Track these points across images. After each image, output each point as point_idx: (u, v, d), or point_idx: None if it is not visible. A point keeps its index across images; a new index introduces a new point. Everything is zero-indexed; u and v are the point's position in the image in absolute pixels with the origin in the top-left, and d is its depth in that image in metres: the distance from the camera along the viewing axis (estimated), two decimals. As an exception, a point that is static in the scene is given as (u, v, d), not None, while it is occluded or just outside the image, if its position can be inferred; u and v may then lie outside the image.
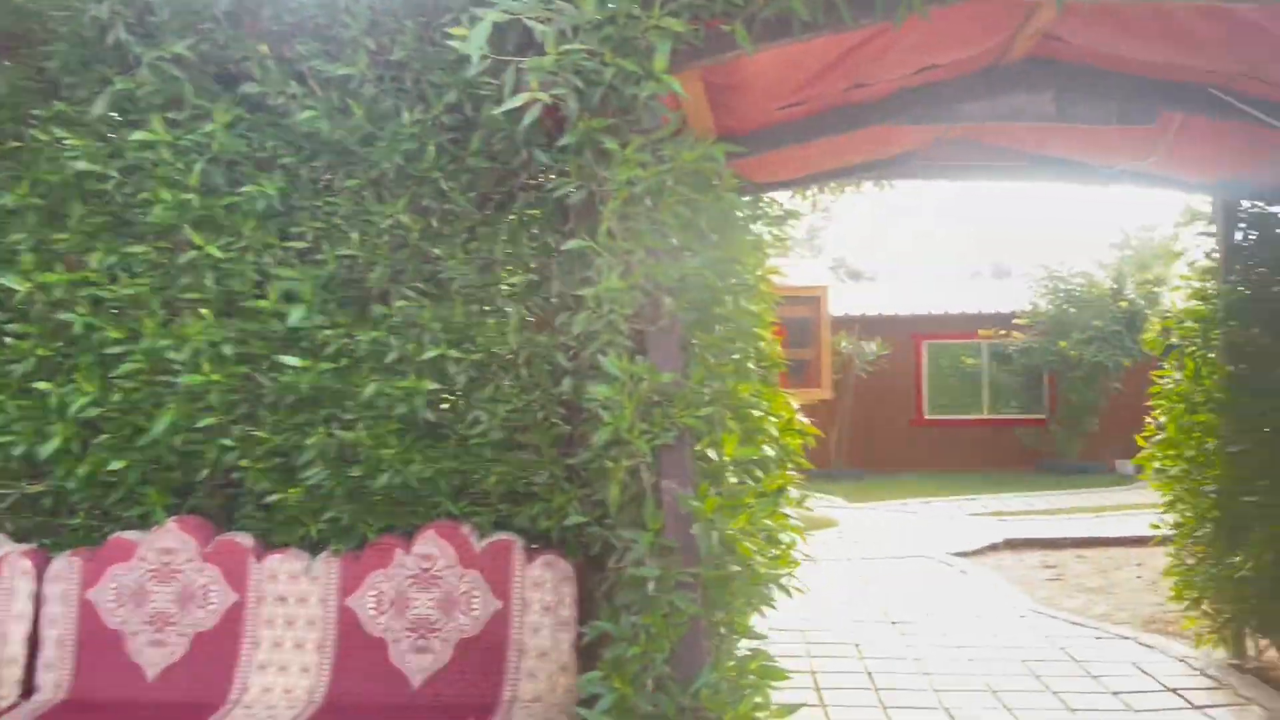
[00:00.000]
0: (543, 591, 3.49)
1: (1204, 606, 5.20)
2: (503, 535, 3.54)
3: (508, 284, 3.57)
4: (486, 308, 3.59)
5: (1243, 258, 5.27)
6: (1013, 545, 9.12)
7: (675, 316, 3.02)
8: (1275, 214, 5.16)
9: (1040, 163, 5.42)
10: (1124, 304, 14.67)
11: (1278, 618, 4.59)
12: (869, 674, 5.02)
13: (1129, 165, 5.15)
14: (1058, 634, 5.75)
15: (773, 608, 3.57)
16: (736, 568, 3.10)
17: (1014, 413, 16.79)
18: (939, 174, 5.50)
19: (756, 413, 3.82)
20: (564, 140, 3.00)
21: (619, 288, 2.95)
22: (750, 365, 3.86)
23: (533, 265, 3.61)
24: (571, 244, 3.01)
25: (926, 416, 17.01)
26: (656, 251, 2.98)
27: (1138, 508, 11.46)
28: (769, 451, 3.75)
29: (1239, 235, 5.37)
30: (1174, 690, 4.68)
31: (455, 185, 3.53)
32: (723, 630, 3.07)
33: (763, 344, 4.39)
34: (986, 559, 8.51)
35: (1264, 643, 4.99)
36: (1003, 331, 15.82)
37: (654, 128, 3.00)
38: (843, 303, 17.82)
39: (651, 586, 2.97)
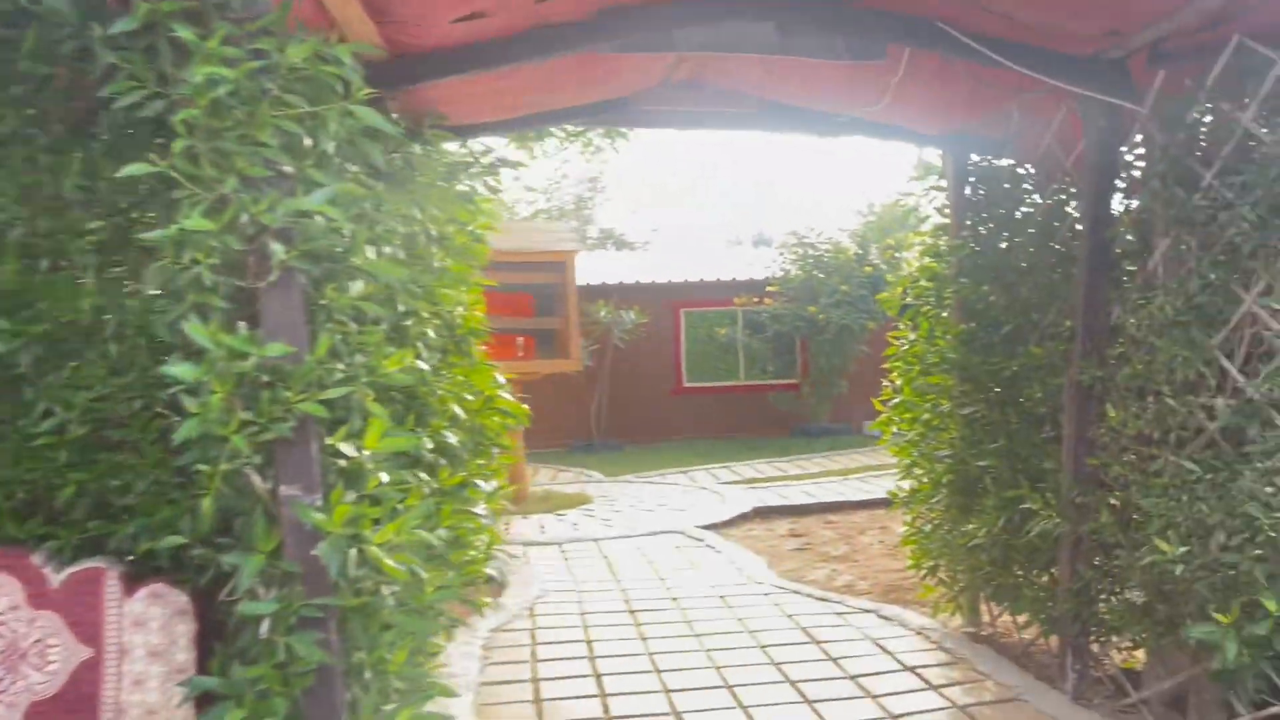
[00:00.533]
0: (148, 632, 2.68)
1: (940, 574, 5.03)
2: (90, 563, 2.69)
3: (85, 231, 2.69)
4: (60, 264, 2.70)
5: (973, 213, 5.10)
6: (763, 514, 8.96)
7: (291, 270, 2.29)
8: (1003, 168, 5.00)
9: (772, 110, 5.03)
10: (868, 269, 15.07)
11: (1010, 586, 4.43)
12: (599, 677, 4.49)
13: (860, 112, 4.84)
14: (801, 612, 5.46)
15: (448, 639, 2.90)
16: (388, 591, 2.42)
17: (769, 378, 17.01)
18: (666, 121, 5.00)
19: (442, 393, 3.15)
20: (121, 25, 2.18)
21: (204, 229, 2.17)
22: (429, 333, 3.17)
23: (122, 206, 2.74)
24: (131, 168, 2.20)
25: (686, 385, 16.94)
26: (257, 181, 2.23)
27: (883, 469, 11.72)
28: (451, 439, 3.08)
29: (969, 190, 5.21)
30: (912, 669, 4.44)
31: (2, 99, 2.61)
32: (369, 675, 2.38)
33: (458, 309, 3.70)
34: (736, 530, 8.27)
35: (998, 610, 4.87)
36: (756, 299, 15.94)
37: (251, 16, 2.24)
38: (601, 271, 17.43)
39: (265, 626, 2.25)
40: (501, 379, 4.08)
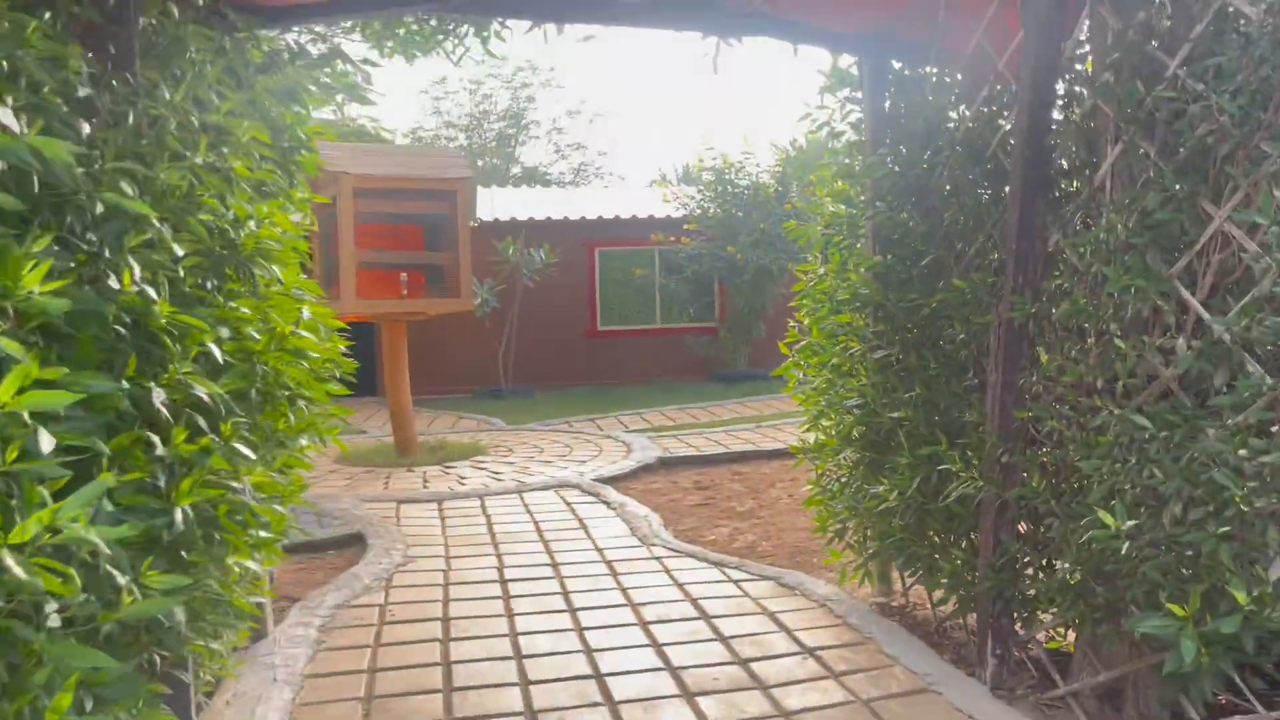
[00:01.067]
0: None
1: (848, 539, 4.45)
2: None
3: None
4: None
5: (893, 129, 4.43)
6: (668, 465, 8.36)
7: None
8: (926, 76, 4.34)
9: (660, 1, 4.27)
10: (788, 206, 14.45)
11: (924, 555, 3.85)
12: (449, 666, 3.82)
13: (762, 4, 4.11)
14: (694, 580, 4.85)
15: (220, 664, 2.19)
16: (50, 608, 1.69)
17: (686, 322, 16.39)
18: (534, 11, 4.19)
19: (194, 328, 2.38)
20: None
21: None
22: (176, 250, 2.38)
23: None
24: None
25: (600, 328, 16.22)
26: None
27: (797, 416, 11.23)
28: (199, 391, 2.31)
29: (888, 104, 4.54)
30: (812, 651, 3.85)
31: None
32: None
33: (247, 224, 2.90)
34: (638, 484, 7.65)
35: (911, 579, 4.30)
36: (673, 238, 15.23)
37: None
38: (510, 206, 16.53)
39: None
40: (337, 322, 3.31)
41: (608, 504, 6.71)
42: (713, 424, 10.83)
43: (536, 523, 6.19)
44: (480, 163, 32.79)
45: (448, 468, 8.35)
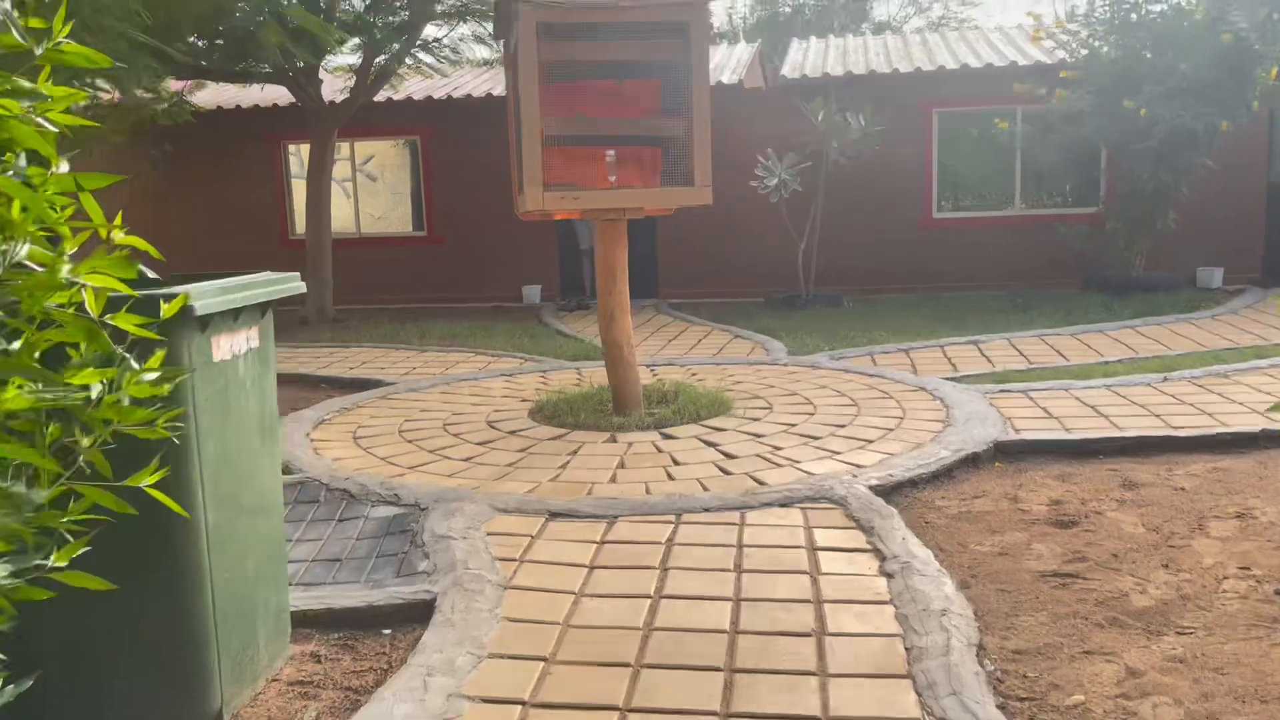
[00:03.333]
0: None
1: None
2: None
3: None
4: None
5: None
6: (1008, 456, 5.15)
7: None
8: None
9: None
10: (1227, 37, 9.88)
11: None
12: None
13: None
14: None
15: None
16: None
17: (1056, 206, 12.35)
18: None
19: None
20: None
21: None
22: None
23: None
24: None
25: (935, 216, 12.64)
26: None
27: (1240, 353, 7.33)
28: None
29: None
30: None
31: None
32: None
33: None
34: (948, 501, 4.55)
35: None
36: (1043, 90, 11.17)
37: None
38: (819, 59, 13.15)
39: None
40: None
41: (882, 560, 3.73)
42: (1088, 370, 7.26)
43: (736, 604, 3.39)
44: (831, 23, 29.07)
45: (666, 434, 5.71)
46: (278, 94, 12.82)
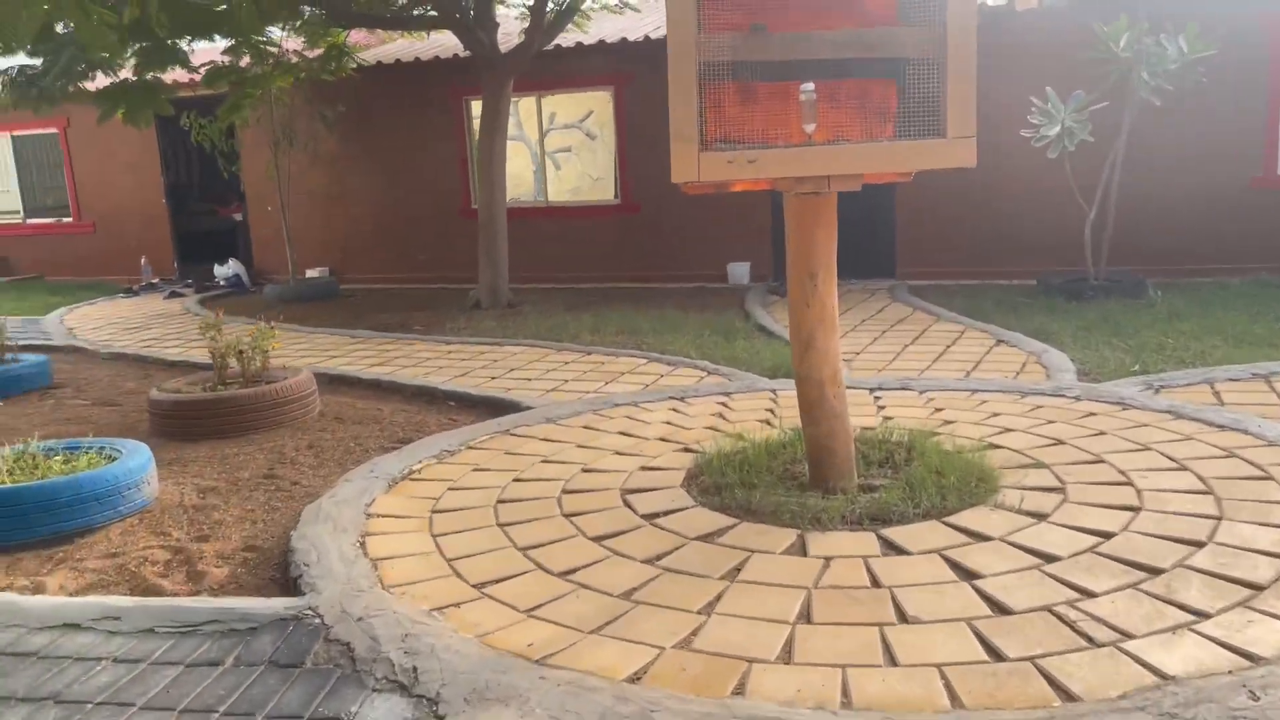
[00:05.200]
0: None
1: None
2: None
3: None
4: None
5: None
6: None
7: None
8: None
9: None
10: None
11: None
12: None
13: None
14: None
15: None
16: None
17: None
18: None
19: None
20: None
21: None
22: None
23: None
24: None
25: (1282, 172, 9.42)
26: None
27: None
28: None
29: None
30: None
31: None
32: None
33: None
34: None
35: None
36: None
37: None
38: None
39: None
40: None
41: None
42: None
43: None
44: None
45: (889, 542, 3.52)
46: (459, 43, 11.33)
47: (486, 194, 10.19)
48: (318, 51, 11.30)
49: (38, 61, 9.71)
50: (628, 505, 4.09)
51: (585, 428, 5.35)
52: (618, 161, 11.71)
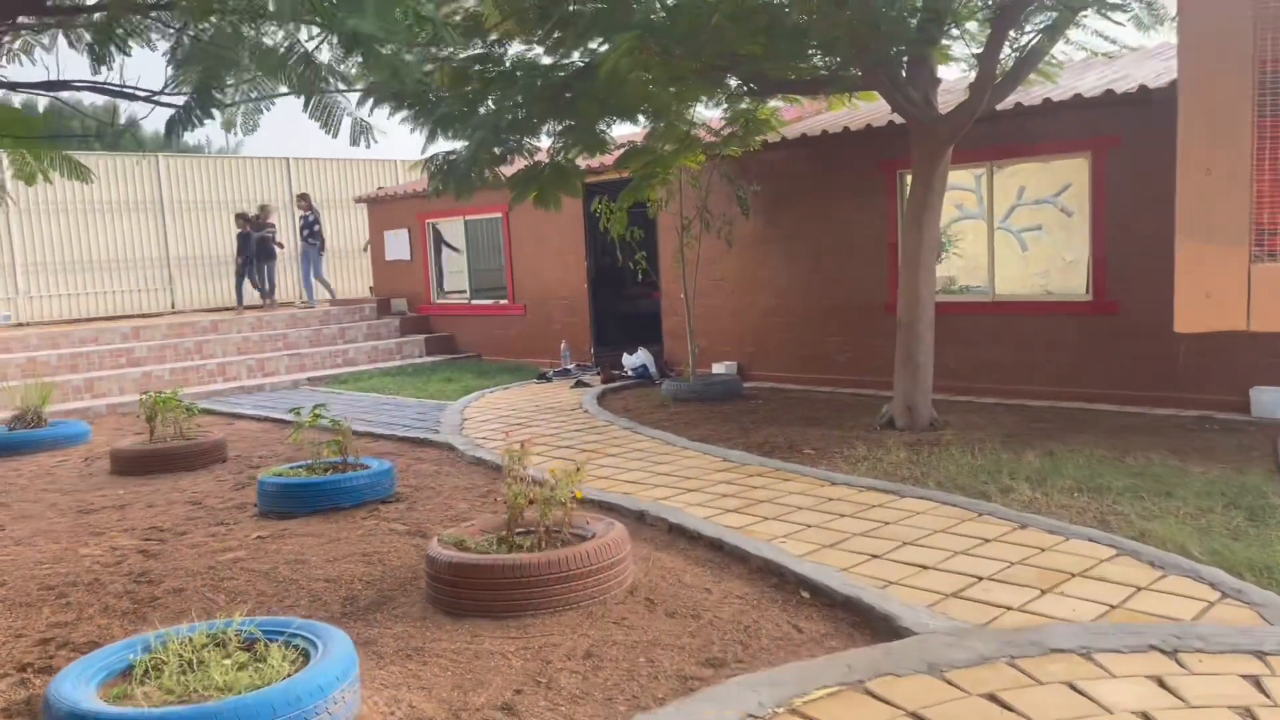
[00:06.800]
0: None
1: None
2: None
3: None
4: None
5: None
6: None
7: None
8: None
9: None
10: None
11: None
12: None
13: None
14: None
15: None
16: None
17: None
18: None
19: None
20: None
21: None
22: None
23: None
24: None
25: None
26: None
27: None
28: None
29: None
30: None
31: None
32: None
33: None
34: None
35: None
36: None
37: None
38: None
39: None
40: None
41: None
42: None
43: None
44: None
45: None
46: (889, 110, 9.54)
47: (909, 287, 8.18)
48: (731, 128, 10.14)
49: (459, 145, 9.60)
50: None
51: (990, 697, 3.18)
52: (1092, 250, 9.06)
